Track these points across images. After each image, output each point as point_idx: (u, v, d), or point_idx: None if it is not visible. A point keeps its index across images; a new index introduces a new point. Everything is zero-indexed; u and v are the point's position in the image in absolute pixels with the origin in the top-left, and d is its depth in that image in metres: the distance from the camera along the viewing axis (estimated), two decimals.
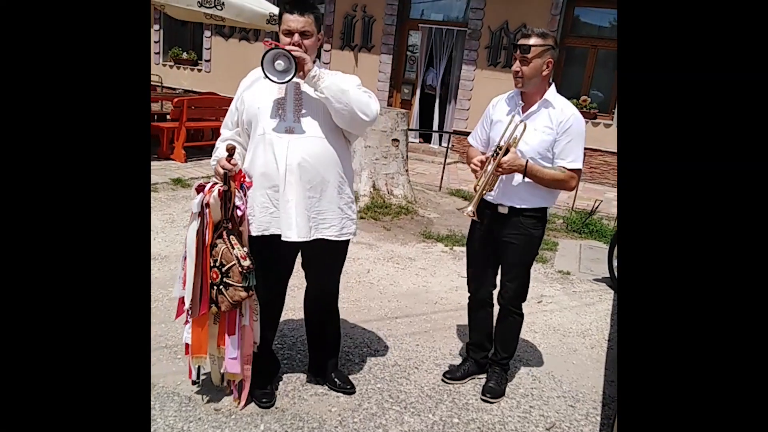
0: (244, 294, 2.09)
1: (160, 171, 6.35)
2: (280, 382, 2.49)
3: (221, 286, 2.09)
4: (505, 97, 2.47)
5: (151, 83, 10.53)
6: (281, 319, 2.50)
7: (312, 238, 2.11)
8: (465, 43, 9.17)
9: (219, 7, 6.60)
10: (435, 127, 9.70)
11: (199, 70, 11.29)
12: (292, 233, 2.07)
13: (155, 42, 11.48)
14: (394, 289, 3.80)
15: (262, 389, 2.33)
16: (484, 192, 2.32)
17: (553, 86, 2.34)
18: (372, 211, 5.54)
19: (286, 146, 2.04)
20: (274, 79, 1.95)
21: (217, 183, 2.09)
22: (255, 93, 2.13)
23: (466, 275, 4.10)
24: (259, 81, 2.15)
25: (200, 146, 7.38)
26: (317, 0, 10.34)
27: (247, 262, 2.08)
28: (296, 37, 2.01)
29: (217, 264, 2.08)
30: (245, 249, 2.11)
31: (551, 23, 8.49)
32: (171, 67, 11.48)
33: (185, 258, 2.13)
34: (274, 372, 2.46)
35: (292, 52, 1.93)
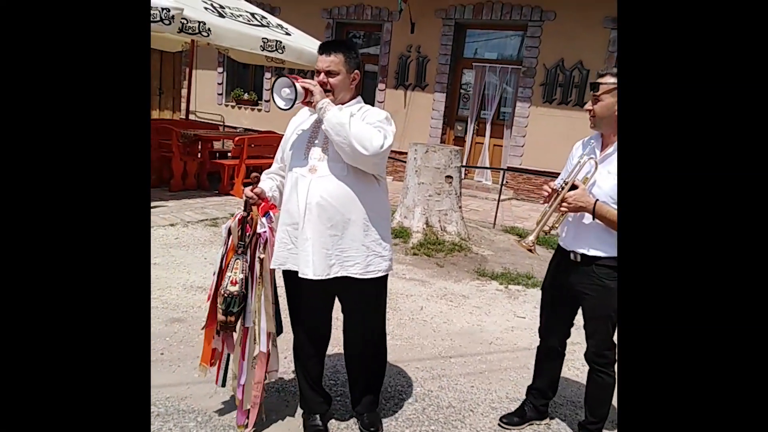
0: (221, 317, 2.16)
1: (220, 206, 6.57)
2: (333, 419, 2.47)
3: (217, 306, 2.20)
4: (586, 139, 2.36)
5: (214, 122, 11.03)
6: (332, 352, 2.49)
7: (332, 276, 2.10)
8: (519, 81, 9.17)
9: (280, 51, 6.90)
10: (487, 163, 9.66)
11: (259, 110, 11.75)
12: (309, 271, 2.08)
13: (218, 84, 12.06)
14: (448, 327, 3.73)
15: (315, 425, 2.33)
16: (546, 227, 2.22)
17: None
18: (425, 247, 5.52)
19: (308, 185, 2.08)
20: (280, 105, 2.05)
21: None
22: (294, 132, 2.23)
23: (524, 316, 4.05)
24: (302, 121, 2.24)
25: None
26: (373, 41, 10.66)
27: (234, 288, 2.14)
28: (322, 76, 2.10)
29: (222, 284, 2.20)
30: (242, 275, 2.16)
31: (609, 60, 8.39)
32: (233, 107, 12.00)
33: (214, 273, 2.30)
34: (325, 407, 2.44)
35: (298, 82, 2.01)
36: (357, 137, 1.97)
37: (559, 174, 2.33)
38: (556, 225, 2.24)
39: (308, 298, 2.26)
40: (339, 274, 2.11)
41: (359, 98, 2.22)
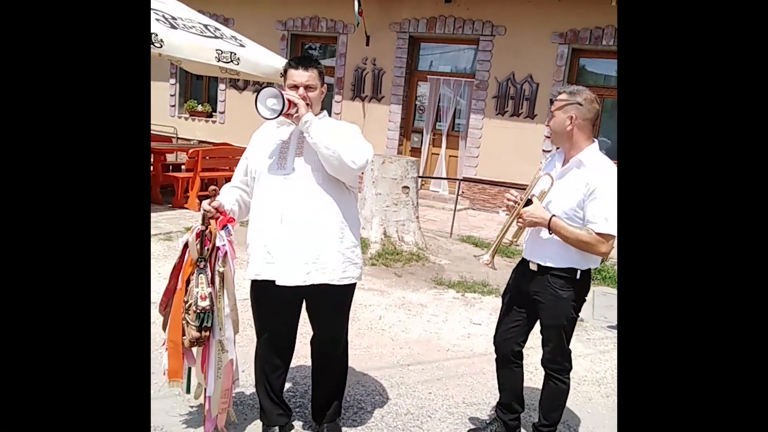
0: (196, 333, 2.14)
1: (174, 220, 6.45)
2: (292, 431, 2.47)
3: (184, 322, 2.18)
4: (552, 154, 2.41)
5: (167, 135, 10.82)
6: (292, 365, 2.49)
7: (309, 283, 2.13)
8: (473, 93, 9.39)
9: (235, 62, 6.84)
10: (443, 173, 9.82)
11: (214, 122, 11.59)
12: (286, 279, 2.12)
13: (171, 95, 11.85)
14: (406, 335, 3.78)
15: None
16: (505, 240, 2.28)
17: (594, 145, 2.21)
18: (383, 257, 5.57)
19: (284, 193, 2.13)
20: (265, 114, 2.07)
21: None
22: (263, 143, 2.26)
23: (479, 323, 4.13)
24: (270, 133, 2.27)
25: None
26: (329, 53, 10.71)
27: (204, 303, 2.13)
28: (301, 90, 2.14)
29: (186, 300, 2.18)
30: (209, 290, 2.16)
31: (557, 73, 8.69)
32: (186, 119, 11.81)
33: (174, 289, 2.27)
34: (285, 419, 2.43)
35: (286, 96, 2.04)
36: (346, 152, 2.03)
37: (512, 184, 2.40)
38: (515, 239, 2.30)
39: (280, 308, 2.27)
40: (317, 281, 2.14)
41: (325, 112, 2.29)
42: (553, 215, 2.16)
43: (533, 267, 2.30)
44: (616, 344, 3.92)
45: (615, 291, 5.20)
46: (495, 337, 2.53)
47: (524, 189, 2.29)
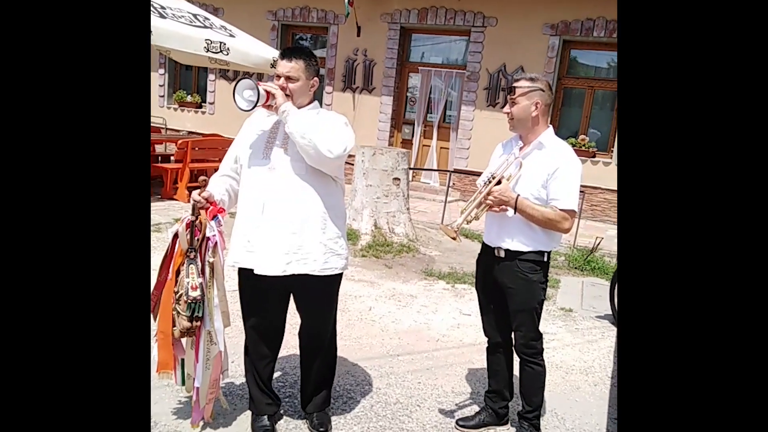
0: (187, 324, 2.15)
1: (163, 211, 6.41)
2: (282, 420, 2.47)
3: (174, 313, 2.18)
4: (506, 141, 2.49)
5: (156, 125, 10.73)
6: (282, 355, 2.50)
7: (289, 273, 2.14)
8: (464, 85, 9.38)
9: (225, 53, 6.78)
10: (434, 165, 9.82)
11: (203, 113, 11.51)
12: (265, 268, 2.13)
13: (160, 86, 11.74)
14: (396, 326, 3.79)
15: (263, 426, 2.33)
16: (469, 216, 2.30)
17: (550, 129, 2.33)
18: (374, 249, 5.57)
19: (267, 183, 2.14)
20: (242, 106, 2.07)
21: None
22: (251, 133, 2.27)
23: (469, 313, 4.15)
24: (259, 122, 2.28)
25: None
26: (319, 44, 10.65)
27: (195, 293, 2.13)
28: (282, 80, 2.15)
29: (176, 290, 2.18)
30: (200, 280, 2.16)
31: (548, 65, 8.70)
32: (175, 109, 11.71)
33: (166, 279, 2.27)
34: (274, 409, 2.44)
35: (262, 87, 2.05)
36: (322, 141, 2.03)
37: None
38: (478, 216, 2.33)
39: (264, 297, 2.27)
40: (297, 271, 2.15)
41: (316, 103, 2.29)
42: (519, 195, 2.22)
43: (500, 254, 2.34)
44: (610, 334, 3.94)
45: (603, 282, 5.24)
46: (484, 328, 2.57)
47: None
